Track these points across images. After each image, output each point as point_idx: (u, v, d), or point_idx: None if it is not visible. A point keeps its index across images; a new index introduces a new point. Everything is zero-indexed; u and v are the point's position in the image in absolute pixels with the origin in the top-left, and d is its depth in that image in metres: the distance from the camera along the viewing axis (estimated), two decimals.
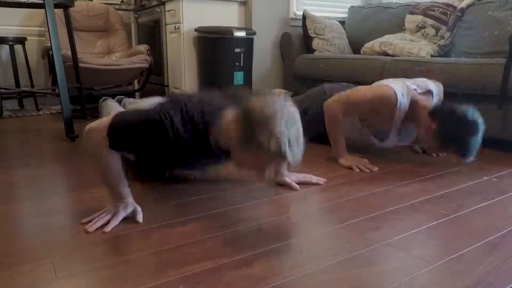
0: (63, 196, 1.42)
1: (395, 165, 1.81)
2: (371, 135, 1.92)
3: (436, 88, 1.87)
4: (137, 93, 3.78)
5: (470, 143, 1.53)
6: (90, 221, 1.18)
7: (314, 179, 1.58)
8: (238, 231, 1.15)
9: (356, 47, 3.33)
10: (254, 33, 3.07)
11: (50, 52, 2.15)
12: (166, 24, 3.26)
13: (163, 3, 3.21)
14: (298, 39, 3.28)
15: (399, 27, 3.00)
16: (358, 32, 3.36)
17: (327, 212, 1.30)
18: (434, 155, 2.01)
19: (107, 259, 0.99)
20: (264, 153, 1.02)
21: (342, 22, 3.50)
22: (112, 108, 1.96)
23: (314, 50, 3.19)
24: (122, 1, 3.89)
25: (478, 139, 1.54)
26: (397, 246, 1.07)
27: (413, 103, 1.75)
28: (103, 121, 1.17)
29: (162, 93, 3.43)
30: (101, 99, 2.14)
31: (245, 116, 1.06)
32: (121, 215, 1.19)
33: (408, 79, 1.88)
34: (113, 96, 2.39)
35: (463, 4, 2.69)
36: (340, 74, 2.80)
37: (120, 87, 3.34)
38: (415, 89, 1.77)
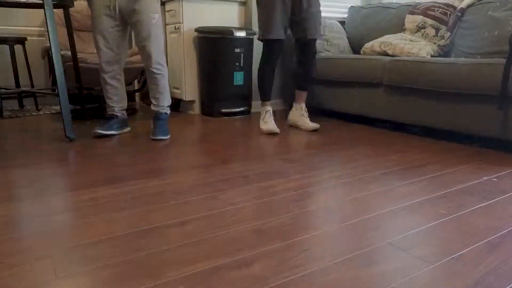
0: (63, 196, 1.42)
1: (395, 165, 1.82)
2: None
3: None
4: (137, 93, 3.78)
5: None
6: None
7: None
8: (238, 231, 1.15)
9: (356, 47, 3.33)
10: (254, 33, 3.07)
11: (50, 52, 2.15)
12: (166, 24, 3.26)
13: (163, 3, 3.21)
14: None
15: (399, 27, 3.00)
16: (358, 32, 3.36)
17: (327, 212, 1.30)
18: None
19: (107, 259, 0.99)
20: None
21: (342, 22, 3.50)
22: None
23: None
24: None
25: None
26: (397, 246, 1.07)
27: None
28: None
29: None
30: None
31: None
32: None
33: None
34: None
35: (463, 4, 2.69)
36: (340, 74, 2.81)
37: None
38: None
